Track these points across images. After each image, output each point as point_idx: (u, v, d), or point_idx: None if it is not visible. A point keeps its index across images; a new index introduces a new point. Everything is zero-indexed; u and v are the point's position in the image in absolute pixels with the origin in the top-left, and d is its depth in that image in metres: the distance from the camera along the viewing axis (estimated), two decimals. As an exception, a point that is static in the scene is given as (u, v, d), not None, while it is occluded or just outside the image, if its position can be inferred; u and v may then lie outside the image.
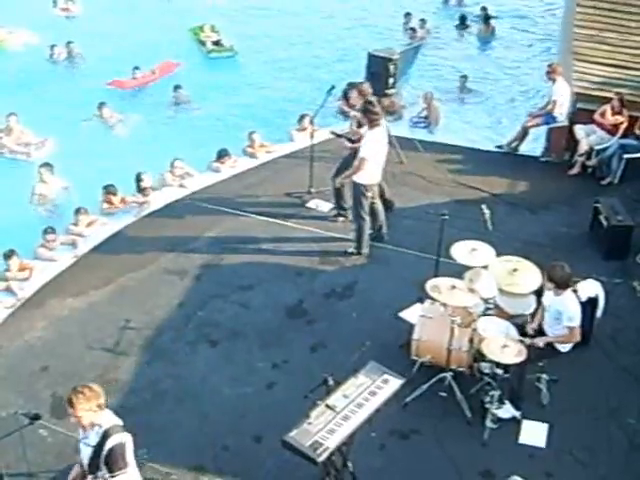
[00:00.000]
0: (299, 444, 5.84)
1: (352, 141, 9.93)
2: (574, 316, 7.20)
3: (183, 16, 18.67)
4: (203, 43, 16.81)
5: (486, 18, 18.19)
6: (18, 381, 7.86)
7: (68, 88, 14.77)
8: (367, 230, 9.61)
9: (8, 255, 9.27)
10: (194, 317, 8.74)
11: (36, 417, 5.85)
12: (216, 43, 16.78)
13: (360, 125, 9.64)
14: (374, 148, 9.11)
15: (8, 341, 8.39)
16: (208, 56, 16.58)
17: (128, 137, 13.15)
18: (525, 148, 12.41)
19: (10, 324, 8.65)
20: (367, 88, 10.09)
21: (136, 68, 15.04)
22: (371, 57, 12.19)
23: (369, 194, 9.33)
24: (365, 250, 9.66)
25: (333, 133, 10.82)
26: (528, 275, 7.67)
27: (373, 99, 9.45)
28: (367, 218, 9.51)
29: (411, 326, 7.90)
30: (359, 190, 9.30)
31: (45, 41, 16.35)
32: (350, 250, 9.68)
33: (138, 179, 11.00)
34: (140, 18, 18.65)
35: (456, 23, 18.68)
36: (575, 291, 7.40)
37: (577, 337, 7.27)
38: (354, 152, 9.76)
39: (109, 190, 10.72)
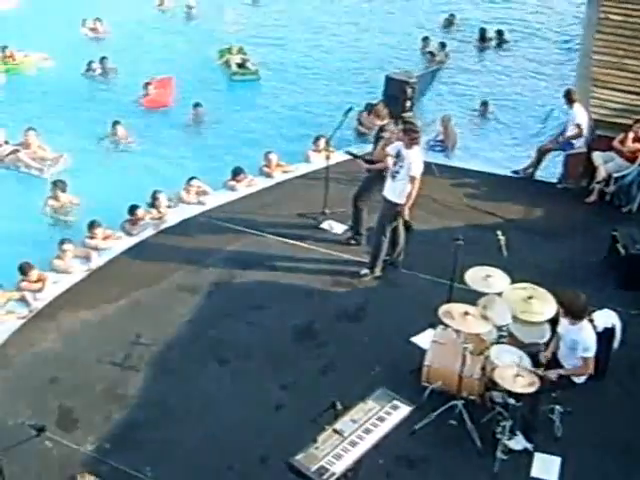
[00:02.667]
0: (305, 468, 5.77)
1: (369, 162, 9.91)
2: (590, 347, 7.09)
3: (211, 37, 18.95)
4: (229, 65, 16.91)
5: (499, 43, 18.35)
6: (27, 391, 7.87)
7: (97, 104, 15.02)
8: (385, 250, 9.54)
9: (26, 269, 9.28)
10: (204, 335, 8.72)
11: (42, 429, 5.83)
12: (241, 66, 16.86)
13: (387, 145, 9.59)
14: (421, 165, 9.04)
15: (19, 351, 8.41)
16: (232, 78, 16.68)
17: (145, 154, 13.19)
18: (542, 174, 12.35)
19: (22, 334, 8.67)
20: (382, 109, 10.06)
21: (147, 84, 15.18)
22: (389, 80, 12.26)
23: (399, 217, 9.29)
24: (378, 271, 9.59)
25: (349, 153, 10.81)
26: (543, 303, 7.58)
27: (410, 120, 9.44)
28: (387, 239, 9.44)
29: (423, 351, 7.83)
30: (395, 209, 9.21)
31: (70, 60, 16.60)
32: (363, 272, 9.62)
33: (154, 197, 11.02)
34: (167, 39, 18.95)
35: (476, 37, 18.82)
36: (591, 321, 7.31)
37: (591, 369, 7.16)
38: (375, 173, 9.75)
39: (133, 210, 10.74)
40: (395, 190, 9.11)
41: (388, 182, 9.21)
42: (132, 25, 19.41)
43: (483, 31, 19.11)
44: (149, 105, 14.97)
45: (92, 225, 10.26)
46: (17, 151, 12.60)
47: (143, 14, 20.45)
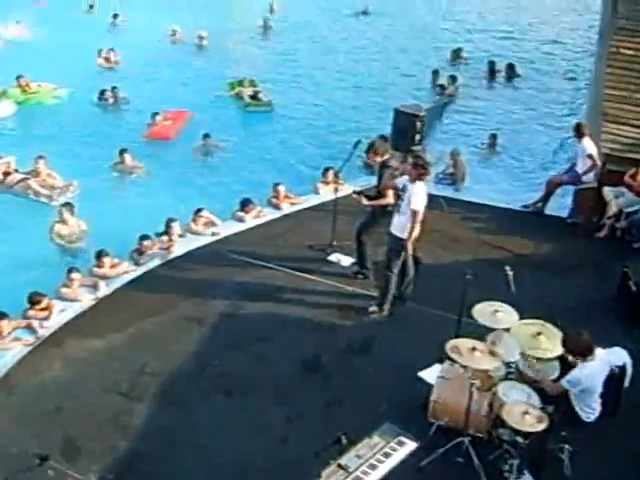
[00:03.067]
0: (310, 504, 5.71)
1: (370, 198, 9.89)
2: (573, 380, 7.04)
3: (223, 68, 19.14)
4: (241, 97, 17.00)
5: (510, 76, 18.47)
6: (31, 419, 7.82)
7: (107, 133, 15.23)
8: (394, 286, 9.48)
9: (36, 299, 9.27)
10: (210, 366, 8.66)
11: (45, 458, 5.80)
12: (254, 97, 16.98)
13: (394, 177, 9.58)
14: (424, 199, 9.00)
15: (25, 379, 8.38)
16: (245, 110, 16.77)
17: (153, 183, 13.28)
18: (552, 208, 12.32)
19: (28, 362, 8.64)
20: (380, 145, 9.98)
21: (155, 113, 15.26)
22: (398, 113, 12.28)
23: (406, 252, 9.23)
24: (387, 308, 9.54)
25: (354, 192, 10.67)
26: (552, 340, 7.49)
27: (420, 155, 9.43)
28: (396, 274, 9.39)
29: (429, 387, 7.75)
30: (400, 244, 9.16)
31: (83, 89, 16.87)
32: (372, 309, 9.56)
33: (167, 225, 11.04)
34: (179, 69, 19.20)
35: (485, 70, 18.95)
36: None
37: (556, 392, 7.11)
38: (378, 208, 9.74)
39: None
40: (399, 224, 9.08)
41: (394, 216, 9.19)
42: (145, 56, 19.72)
43: (492, 64, 19.28)
44: (151, 136, 15.02)
45: (100, 254, 10.28)
46: (27, 179, 12.72)
47: (156, 45, 20.80)
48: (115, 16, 22.93)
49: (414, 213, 8.92)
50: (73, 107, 16.48)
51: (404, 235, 9.06)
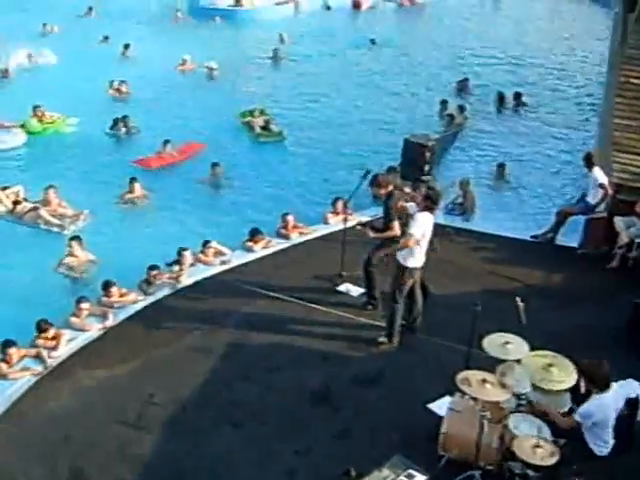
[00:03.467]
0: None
1: (376, 230, 9.87)
2: (585, 414, 7.00)
3: (233, 98, 19.27)
4: (252, 127, 17.09)
5: (518, 105, 18.62)
6: (39, 449, 7.80)
7: (118, 162, 15.32)
8: (400, 316, 9.44)
9: (43, 326, 9.28)
10: (218, 397, 8.62)
11: None
12: (265, 127, 17.06)
13: (405, 200, 9.57)
14: (423, 229, 8.96)
15: (33, 409, 8.37)
16: (256, 140, 16.85)
17: (163, 212, 13.35)
18: (562, 238, 12.28)
19: (36, 392, 8.63)
20: (383, 179, 9.97)
21: (167, 141, 15.35)
22: (407, 143, 12.31)
23: (412, 280, 9.21)
24: (396, 339, 9.48)
25: (360, 225, 10.64)
26: (563, 371, 7.44)
27: (435, 186, 9.46)
28: (402, 304, 9.35)
29: (439, 419, 7.69)
30: (405, 273, 9.13)
31: (93, 119, 17.06)
32: (381, 339, 9.51)
33: (179, 254, 11.06)
34: (189, 99, 19.38)
35: (494, 100, 19.04)
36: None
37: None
38: (386, 239, 9.74)
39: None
40: (402, 251, 9.08)
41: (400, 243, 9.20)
42: (156, 85, 19.95)
43: (501, 94, 19.37)
44: (137, 164, 15.15)
45: (108, 284, 10.27)
46: (37, 208, 12.74)
47: (166, 75, 21.01)
48: (126, 46, 23.18)
49: (409, 235, 8.90)
50: (85, 137, 16.62)
51: (408, 263, 9.06)
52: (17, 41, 23.02)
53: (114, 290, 10.21)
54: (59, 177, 14.14)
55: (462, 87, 20.28)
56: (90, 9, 28.74)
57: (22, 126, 16.59)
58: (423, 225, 8.95)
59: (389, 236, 9.65)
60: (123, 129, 16.91)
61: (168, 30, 26.57)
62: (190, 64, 21.87)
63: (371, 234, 9.88)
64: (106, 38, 23.79)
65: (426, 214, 8.99)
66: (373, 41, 25.09)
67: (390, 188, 9.82)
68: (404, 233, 9.15)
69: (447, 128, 17.35)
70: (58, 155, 15.79)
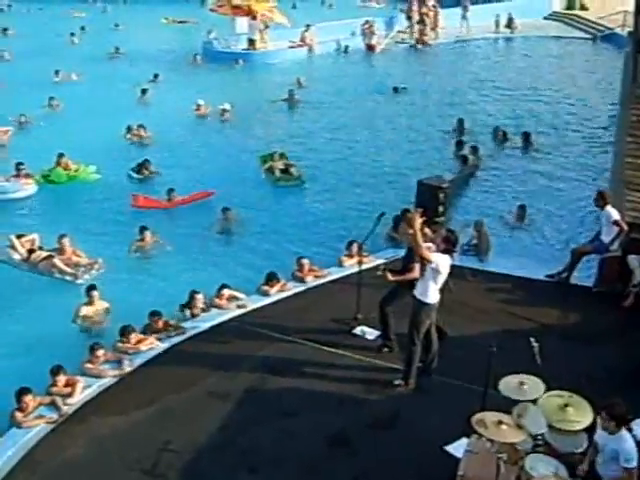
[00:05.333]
0: None
1: (396, 272, 9.88)
2: (633, 457, 6.86)
3: (250, 141, 19.54)
4: (272, 171, 17.24)
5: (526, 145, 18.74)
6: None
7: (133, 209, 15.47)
8: (417, 358, 9.40)
9: (55, 371, 9.34)
10: (235, 442, 8.59)
11: None
12: (284, 171, 17.21)
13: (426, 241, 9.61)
14: (440, 268, 8.96)
15: (48, 457, 8.37)
16: (275, 184, 17.01)
17: (175, 259, 13.42)
18: (577, 275, 12.21)
19: (51, 440, 8.64)
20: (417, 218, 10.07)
21: (171, 190, 15.54)
22: (421, 185, 12.37)
23: (429, 320, 9.19)
24: (412, 381, 9.44)
25: (379, 268, 10.62)
26: (580, 411, 7.38)
27: (455, 232, 9.52)
28: (420, 346, 9.31)
29: (456, 460, 7.62)
30: (422, 310, 9.12)
31: (111, 165, 17.33)
32: (397, 382, 9.47)
33: (191, 297, 11.12)
34: (205, 142, 19.67)
35: (497, 137, 19.39)
36: (630, 430, 7.09)
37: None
38: (403, 282, 9.75)
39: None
40: (422, 288, 9.07)
41: (418, 282, 9.20)
42: (172, 129, 20.29)
43: (504, 133, 19.67)
44: (135, 206, 15.36)
45: (125, 330, 10.29)
46: (51, 257, 12.80)
47: (182, 120, 21.34)
48: (144, 91, 23.59)
49: (423, 260, 8.92)
50: (105, 182, 16.81)
51: (424, 299, 9.06)
52: (32, 87, 23.64)
53: (132, 336, 10.23)
54: (75, 224, 14.33)
55: (459, 128, 20.44)
56: (117, 49, 30.20)
57: (46, 176, 16.67)
58: (440, 264, 8.92)
59: (409, 279, 9.64)
60: (145, 172, 17.16)
61: (186, 73, 27.12)
62: (205, 108, 22.22)
63: (390, 277, 9.89)
64: (144, 92, 23.88)
65: (445, 256, 9.01)
66: (396, 89, 24.95)
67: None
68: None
69: (461, 169, 17.43)
70: (75, 202, 15.99)
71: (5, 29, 35.31)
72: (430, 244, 9.34)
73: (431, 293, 9.08)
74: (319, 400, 9.28)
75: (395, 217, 13.80)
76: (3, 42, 32.32)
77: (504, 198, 16.06)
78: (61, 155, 16.97)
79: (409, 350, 9.36)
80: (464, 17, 35.15)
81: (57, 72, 25.80)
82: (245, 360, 10.04)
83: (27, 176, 16.50)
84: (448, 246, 9.03)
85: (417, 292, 9.17)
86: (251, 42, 30.58)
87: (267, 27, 30.89)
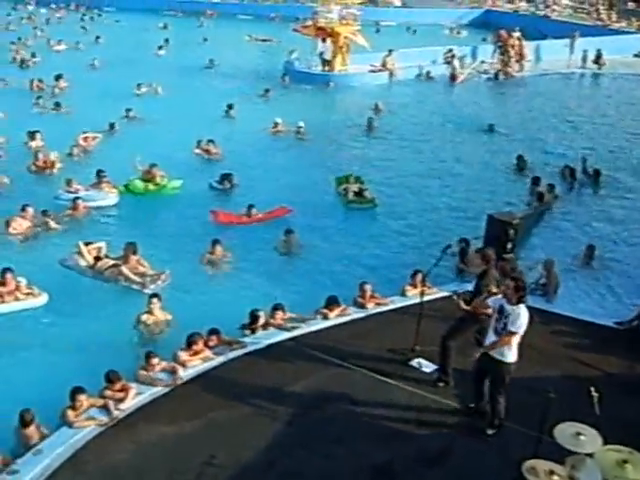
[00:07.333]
0: None
1: (467, 302, 9.69)
2: None
3: (326, 163, 19.70)
4: (346, 193, 17.25)
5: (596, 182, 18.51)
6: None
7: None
8: (504, 409, 9.03)
9: (112, 377, 9.44)
10: (279, 463, 8.53)
11: None
12: (358, 194, 17.19)
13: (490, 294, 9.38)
14: (526, 323, 8.71)
15: (94, 459, 8.45)
16: (347, 206, 17.00)
17: (241, 276, 13.47)
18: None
19: (99, 442, 8.72)
20: (490, 252, 9.90)
21: (251, 206, 15.62)
22: (491, 219, 12.14)
23: (510, 375, 8.89)
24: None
25: (454, 294, 10.44)
26: None
27: (520, 275, 9.30)
28: (504, 400, 8.98)
29: (504, 507, 7.38)
30: (506, 369, 8.81)
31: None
32: (490, 432, 9.10)
33: (252, 316, 11.12)
34: (281, 160, 19.90)
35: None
36: None
37: None
38: (470, 315, 9.54)
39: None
40: (500, 348, 8.73)
41: (490, 336, 8.86)
42: (249, 146, 20.64)
43: (571, 169, 19.22)
44: (216, 221, 15.50)
45: (192, 338, 10.30)
46: (118, 265, 12.95)
47: (259, 136, 21.54)
48: (230, 106, 23.95)
49: (511, 333, 8.62)
50: (183, 195, 17.07)
51: (509, 359, 8.75)
52: (116, 97, 24.18)
53: (196, 347, 10.24)
54: (150, 234, 14.60)
55: (521, 164, 20.09)
56: (211, 61, 31.11)
57: (126, 186, 16.89)
58: (526, 319, 8.66)
59: (482, 312, 9.39)
60: (227, 184, 17.35)
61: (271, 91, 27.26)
62: (281, 127, 22.39)
63: (463, 306, 9.68)
64: (230, 108, 24.23)
65: (524, 307, 8.69)
66: (491, 128, 24.17)
67: (490, 264, 9.70)
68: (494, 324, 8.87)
69: (535, 206, 17.10)
70: (152, 213, 16.33)
71: (97, 37, 36.37)
72: (499, 297, 9.01)
73: (513, 351, 8.76)
74: (368, 429, 9.14)
75: (461, 249, 13.62)
76: (95, 50, 33.30)
77: (575, 238, 15.64)
78: (153, 165, 17.13)
79: (493, 404, 9.03)
80: (571, 48, 34.66)
81: (139, 85, 26.23)
82: (297, 382, 9.96)
83: (108, 184, 16.76)
84: (521, 293, 8.68)
85: (497, 353, 8.77)
86: (326, 63, 30.73)
87: (348, 50, 31.01)
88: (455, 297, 9.91)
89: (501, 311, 8.74)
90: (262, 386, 9.81)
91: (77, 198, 15.82)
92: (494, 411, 9.06)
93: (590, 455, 7.28)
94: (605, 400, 7.98)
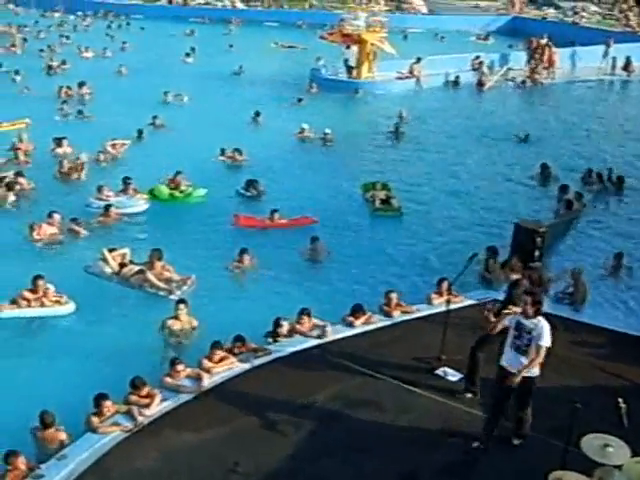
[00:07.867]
0: None
1: (496, 315, 9.59)
2: None
3: (352, 169, 19.72)
4: (372, 200, 17.22)
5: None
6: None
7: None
8: (530, 421, 8.93)
9: (138, 383, 9.45)
10: (303, 472, 8.50)
11: None
12: (385, 201, 17.15)
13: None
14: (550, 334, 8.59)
15: (118, 465, 8.47)
16: (374, 213, 16.97)
17: (268, 280, 13.46)
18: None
19: (123, 448, 8.73)
20: (517, 263, 9.83)
21: (274, 211, 15.65)
22: (518, 228, 12.05)
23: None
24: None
25: (487, 305, 10.30)
26: (668, 483, 6.96)
27: (543, 274, 9.23)
28: (531, 410, 8.85)
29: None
30: (533, 383, 8.67)
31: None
32: (516, 442, 8.97)
33: (276, 324, 11.12)
34: (309, 167, 19.92)
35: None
36: None
37: None
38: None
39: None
40: (521, 364, 8.58)
41: (509, 353, 8.68)
42: (275, 151, 20.79)
43: (599, 173, 19.21)
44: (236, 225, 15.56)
45: (215, 345, 10.30)
46: (143, 271, 12.96)
47: (285, 141, 21.56)
48: (257, 114, 24.07)
49: (539, 348, 8.46)
50: (210, 202, 17.08)
51: (536, 374, 8.63)
52: (143, 105, 24.33)
53: (218, 353, 10.23)
54: (177, 241, 14.63)
55: (545, 173, 19.91)
56: (240, 67, 31.46)
57: (151, 191, 16.90)
58: (548, 329, 8.52)
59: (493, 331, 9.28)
60: (253, 191, 17.39)
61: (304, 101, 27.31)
62: (308, 132, 22.42)
63: (492, 318, 9.55)
64: (258, 114, 24.30)
65: (542, 318, 8.55)
66: (526, 138, 23.66)
67: (519, 275, 9.61)
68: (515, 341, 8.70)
69: (563, 214, 16.95)
70: (179, 219, 16.38)
71: (124, 42, 36.67)
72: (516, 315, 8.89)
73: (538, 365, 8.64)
74: (392, 438, 9.09)
75: (487, 257, 13.52)
76: (121, 57, 33.58)
77: (604, 247, 15.46)
78: (178, 173, 17.20)
79: (520, 420, 8.92)
80: (605, 54, 34.43)
81: (166, 92, 26.32)
82: (322, 389, 9.92)
83: (135, 191, 16.80)
84: (538, 306, 8.53)
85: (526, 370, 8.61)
86: (350, 70, 30.71)
87: (375, 57, 30.98)
88: (486, 312, 9.80)
89: (519, 327, 8.58)
90: (286, 393, 9.79)
91: (109, 205, 15.87)
92: (521, 421, 8.95)
93: (618, 467, 7.17)
94: (634, 411, 7.88)
